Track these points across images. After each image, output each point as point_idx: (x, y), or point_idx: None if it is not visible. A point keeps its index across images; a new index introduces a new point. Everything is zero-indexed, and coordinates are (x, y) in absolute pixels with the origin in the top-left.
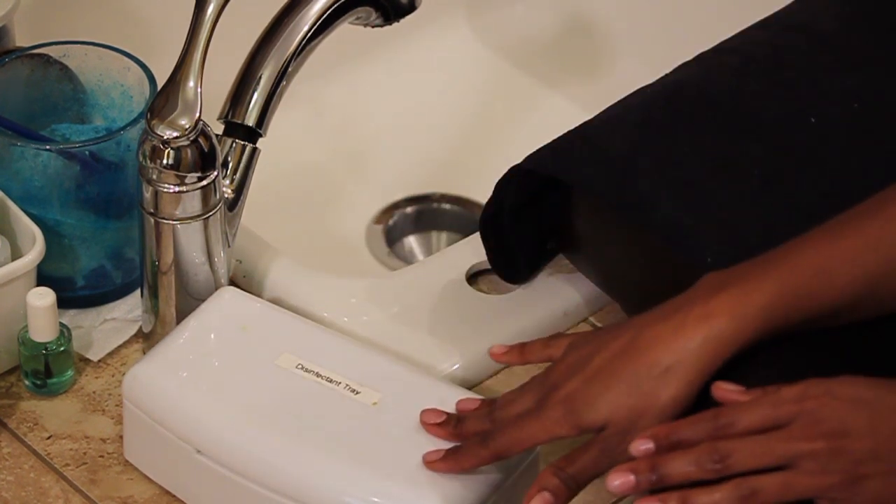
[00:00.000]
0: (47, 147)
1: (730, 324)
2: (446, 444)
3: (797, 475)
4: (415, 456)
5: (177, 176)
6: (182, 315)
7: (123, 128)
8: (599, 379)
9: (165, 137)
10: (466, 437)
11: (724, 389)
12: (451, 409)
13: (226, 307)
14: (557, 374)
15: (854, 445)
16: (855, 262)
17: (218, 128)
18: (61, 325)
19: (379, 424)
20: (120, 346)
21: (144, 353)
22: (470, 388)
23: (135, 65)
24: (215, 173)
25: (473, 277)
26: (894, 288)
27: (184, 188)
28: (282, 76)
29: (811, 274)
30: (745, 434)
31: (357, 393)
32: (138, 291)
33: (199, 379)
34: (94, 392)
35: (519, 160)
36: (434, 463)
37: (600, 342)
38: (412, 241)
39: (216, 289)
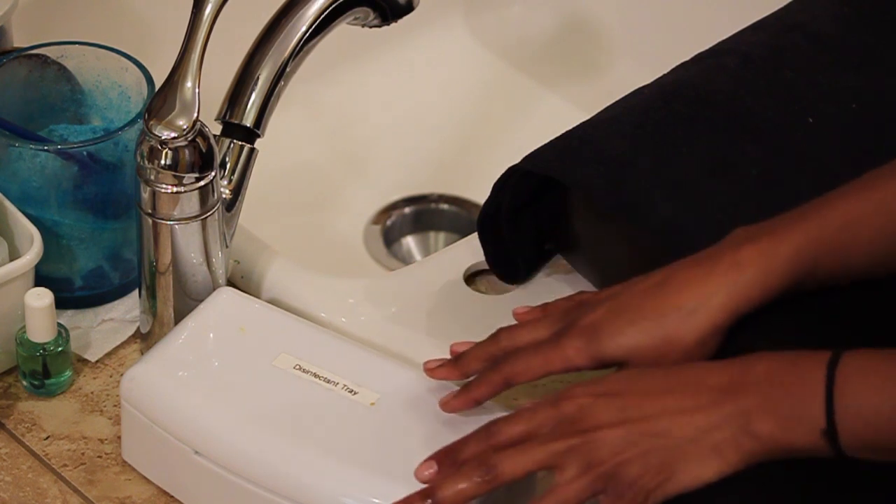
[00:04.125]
0: (45, 147)
1: (757, 273)
2: (441, 444)
3: (565, 481)
4: (413, 456)
5: (174, 176)
6: (180, 316)
7: (121, 128)
8: (625, 313)
9: (163, 138)
10: (473, 372)
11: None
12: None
13: (224, 308)
14: (582, 309)
15: (607, 436)
16: (882, 213)
17: (216, 128)
18: (59, 325)
19: (377, 424)
20: (118, 347)
21: (142, 354)
22: None
23: (132, 65)
24: (213, 174)
25: (471, 278)
26: None
27: (181, 189)
28: (280, 76)
29: (838, 226)
30: (511, 444)
31: (355, 393)
32: (136, 292)
33: (197, 379)
34: (91, 392)
35: (517, 160)
36: (448, 403)
37: (630, 282)
38: (410, 242)
39: (214, 289)
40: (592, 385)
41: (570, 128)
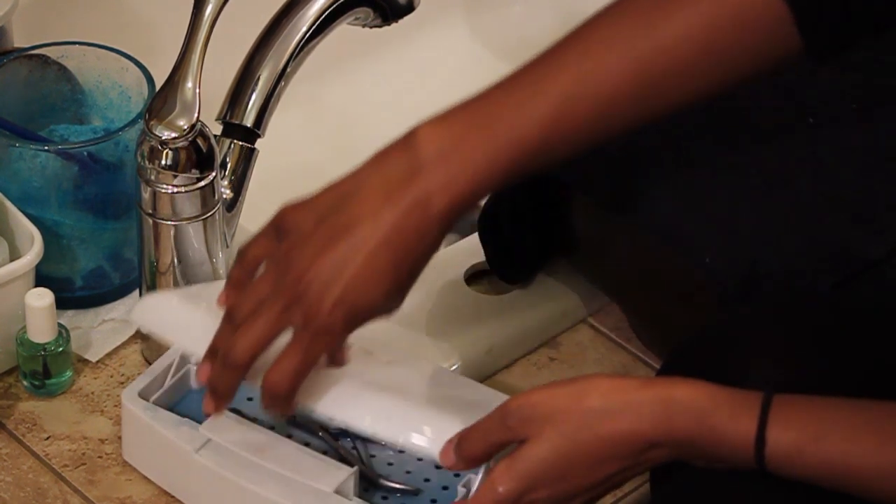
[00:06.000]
0: (46, 148)
1: (443, 202)
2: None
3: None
4: (436, 402)
5: (175, 176)
6: None
7: (122, 128)
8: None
9: (164, 138)
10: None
11: None
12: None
13: None
14: (302, 285)
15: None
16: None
17: (216, 128)
18: (60, 325)
19: (396, 376)
20: (118, 347)
21: (143, 354)
22: None
23: (133, 65)
24: (213, 174)
25: (472, 278)
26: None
27: (182, 189)
28: (280, 77)
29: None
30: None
31: (371, 354)
32: (137, 292)
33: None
34: (92, 393)
35: None
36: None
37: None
38: None
39: None
40: None
41: None
